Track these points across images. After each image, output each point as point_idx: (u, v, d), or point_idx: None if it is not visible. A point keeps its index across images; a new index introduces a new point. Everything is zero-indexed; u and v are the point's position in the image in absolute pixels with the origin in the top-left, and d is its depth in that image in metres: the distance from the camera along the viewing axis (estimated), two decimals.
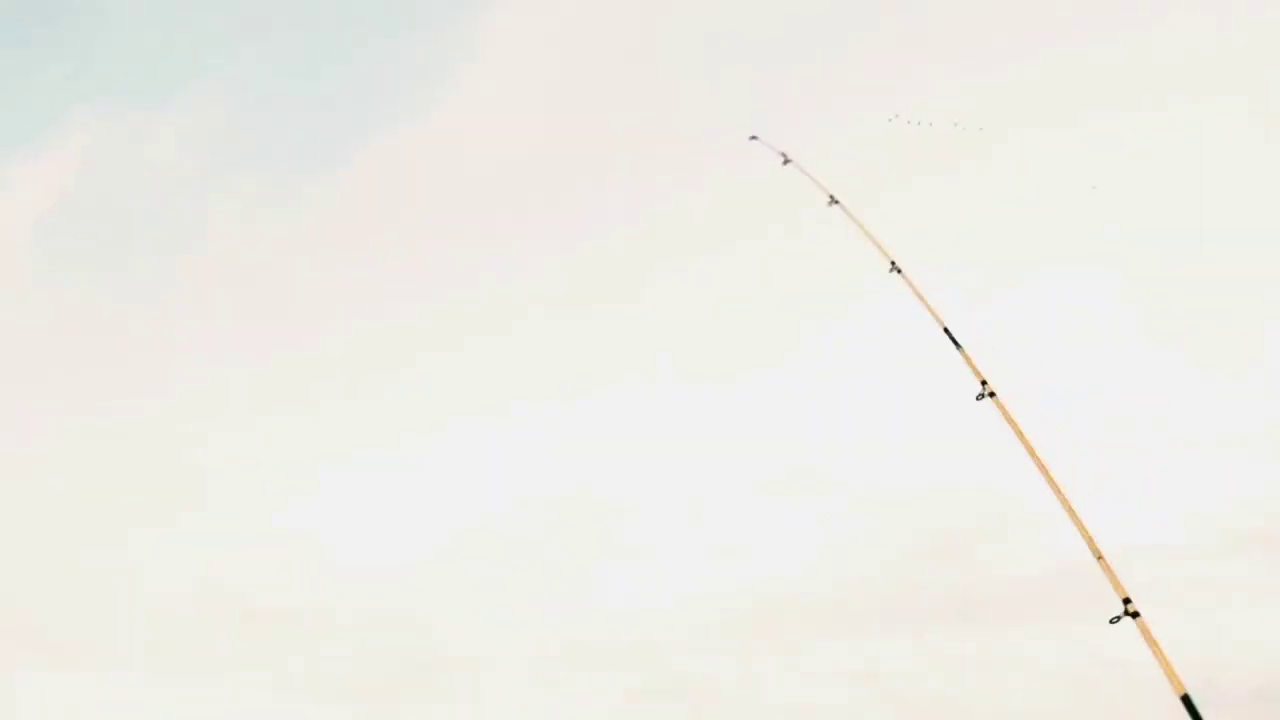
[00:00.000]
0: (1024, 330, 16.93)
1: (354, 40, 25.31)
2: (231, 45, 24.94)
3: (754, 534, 17.80)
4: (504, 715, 16.18)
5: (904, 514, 16.29)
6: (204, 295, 23.62)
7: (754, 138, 8.71)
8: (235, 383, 22.23)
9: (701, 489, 18.29)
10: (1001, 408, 6.65)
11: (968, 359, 6.82)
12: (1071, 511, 6.10)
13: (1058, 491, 6.33)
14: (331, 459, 21.02)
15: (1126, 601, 5.77)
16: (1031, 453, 6.52)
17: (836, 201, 7.62)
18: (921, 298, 7.05)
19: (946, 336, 6.94)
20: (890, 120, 13.42)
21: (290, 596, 18.50)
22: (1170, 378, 17.36)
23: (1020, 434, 6.59)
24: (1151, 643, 5.68)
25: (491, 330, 21.76)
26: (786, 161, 8.24)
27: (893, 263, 7.23)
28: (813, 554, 16.46)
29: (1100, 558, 5.93)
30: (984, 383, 6.66)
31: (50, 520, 20.50)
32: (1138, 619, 5.72)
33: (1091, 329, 18.02)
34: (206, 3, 25.26)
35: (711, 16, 22.95)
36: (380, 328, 22.58)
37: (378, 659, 17.62)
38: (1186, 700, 5.43)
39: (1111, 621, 5.82)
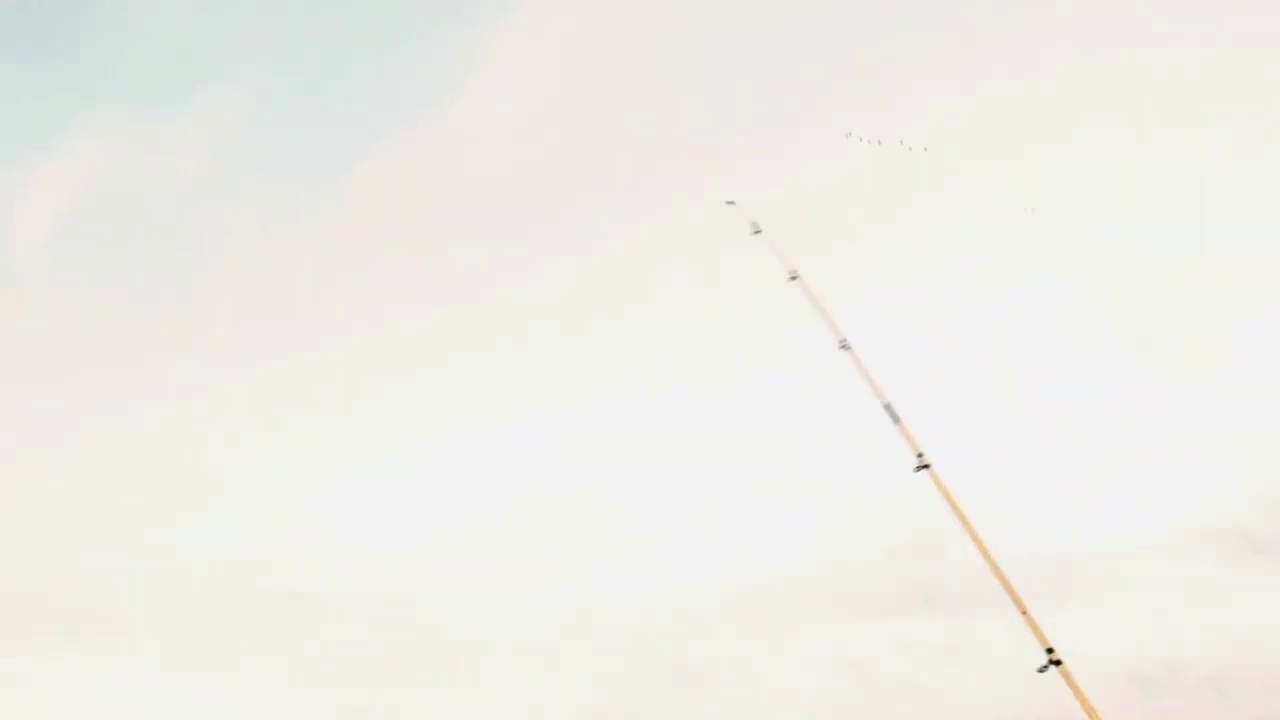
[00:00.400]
0: (997, 344, 17.80)
1: (365, 49, 25.88)
2: (245, 53, 25.51)
3: (745, 529, 18.63)
4: (503, 698, 16.99)
5: (885, 512, 17.09)
6: (218, 299, 24.34)
7: (730, 203, 9.21)
8: (250, 382, 23.05)
9: (696, 485, 19.13)
10: (936, 479, 7.31)
11: (906, 433, 7.49)
12: (998, 571, 6.75)
13: (986, 554, 6.98)
14: (343, 456, 21.91)
15: (1049, 651, 6.39)
16: (964, 521, 7.16)
17: (796, 277, 8.27)
18: (866, 375, 7.73)
19: (887, 413, 7.62)
20: (846, 136, 14.22)
21: (301, 585, 19.45)
22: (1138, 382, 18.24)
23: (953, 504, 7.25)
24: (1074, 688, 6.32)
25: (497, 331, 22.52)
26: (757, 231, 8.81)
27: (842, 341, 7.91)
28: (801, 549, 17.24)
29: (1025, 612, 6.56)
30: (920, 455, 7.33)
31: (73, 511, 21.46)
32: (1060, 666, 6.35)
33: (1062, 338, 18.89)
34: (221, 11, 25.83)
35: (713, 29, 23.71)
36: (390, 329, 23.38)
37: (384, 644, 18.50)
38: None
39: (1039, 671, 6.42)
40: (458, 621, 18.83)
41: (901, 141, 16.33)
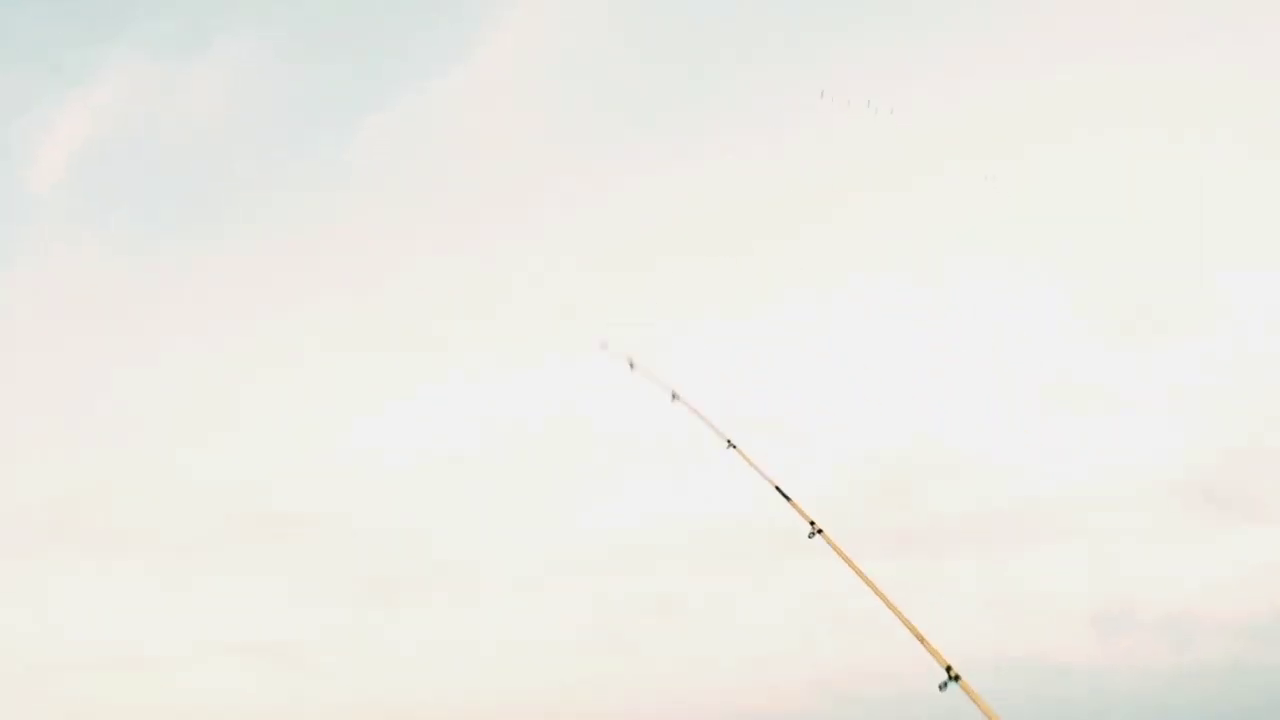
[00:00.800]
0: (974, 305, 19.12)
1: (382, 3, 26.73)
2: (263, 3, 26.23)
3: (725, 473, 19.10)
4: (501, 620, 17.04)
5: (858, 458, 17.90)
6: (233, 238, 24.79)
7: (603, 346, 10.17)
8: (264, 321, 24.32)
9: (680, 429, 19.59)
10: (830, 542, 8.11)
11: (797, 508, 8.32)
12: (894, 608, 7.48)
13: (887, 601, 7.70)
14: (351, 392, 22.95)
15: (948, 669, 7.06)
16: (862, 577, 7.91)
17: (678, 397, 9.21)
18: (754, 466, 8.60)
19: (779, 493, 8.47)
20: (820, 96, 15.51)
21: (309, 507, 19.84)
22: (1109, 347, 19.64)
23: (850, 562, 8.02)
24: (975, 699, 6.98)
25: (497, 290, 23.22)
26: (633, 366, 9.77)
27: (729, 440, 8.81)
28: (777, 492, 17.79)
29: (923, 640, 7.26)
30: (812, 523, 8.14)
31: (100, 437, 22.76)
32: (960, 681, 7.02)
33: (1038, 305, 20.24)
34: None
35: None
36: (396, 280, 24.15)
37: (385, 564, 18.66)
38: None
39: (941, 688, 7.07)
40: (455, 546, 19.31)
41: (869, 102, 17.60)
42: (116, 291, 25.09)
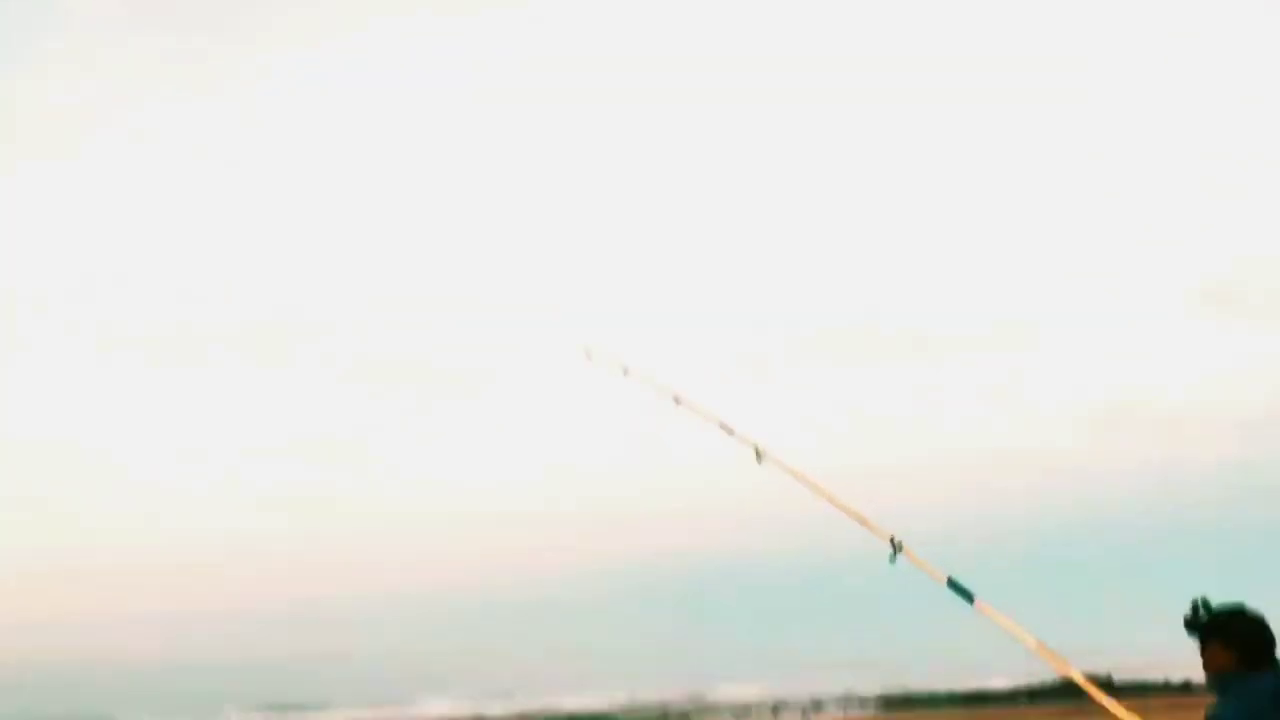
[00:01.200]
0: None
1: None
2: None
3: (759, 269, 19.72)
4: (513, 419, 17.97)
5: (867, 264, 18.79)
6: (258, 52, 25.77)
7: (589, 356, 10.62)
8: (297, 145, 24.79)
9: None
10: (778, 461, 8.79)
11: (741, 439, 9.01)
12: (842, 506, 8.12)
13: (836, 501, 8.35)
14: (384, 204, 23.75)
15: (892, 540, 7.68)
16: (812, 486, 8.58)
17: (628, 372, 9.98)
18: (701, 412, 9.30)
19: (723, 429, 9.16)
20: None
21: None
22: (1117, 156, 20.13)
23: (799, 475, 8.67)
24: (919, 562, 7.60)
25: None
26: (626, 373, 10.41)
27: (676, 398, 9.54)
28: (801, 304, 18.81)
29: (864, 522, 7.89)
30: (756, 449, 8.83)
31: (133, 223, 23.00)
32: (903, 549, 7.65)
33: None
34: None
35: None
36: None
37: (414, 369, 19.72)
38: (950, 581, 7.30)
39: (890, 560, 7.70)
40: (472, 344, 20.30)
41: None
42: (154, 98, 27.35)
